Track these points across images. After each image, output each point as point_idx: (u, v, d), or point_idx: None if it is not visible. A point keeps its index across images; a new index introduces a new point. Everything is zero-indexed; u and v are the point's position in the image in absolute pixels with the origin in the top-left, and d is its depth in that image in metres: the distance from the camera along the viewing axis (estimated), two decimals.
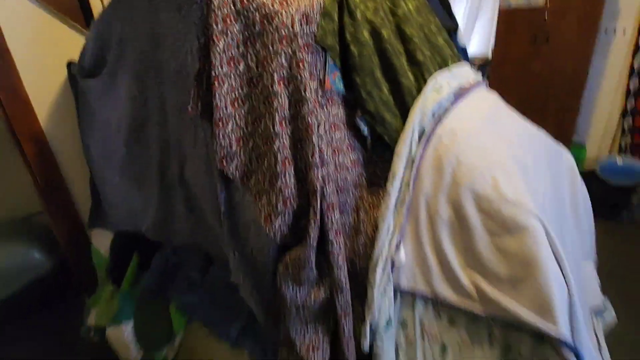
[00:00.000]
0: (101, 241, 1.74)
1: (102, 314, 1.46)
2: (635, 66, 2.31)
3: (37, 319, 1.87)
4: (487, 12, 2.80)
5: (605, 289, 1.69)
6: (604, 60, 2.43)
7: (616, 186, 2.28)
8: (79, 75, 1.45)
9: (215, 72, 0.92)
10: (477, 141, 1.07)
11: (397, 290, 1.10)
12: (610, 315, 1.59)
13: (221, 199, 1.05)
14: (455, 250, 1.03)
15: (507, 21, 2.34)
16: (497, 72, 2.48)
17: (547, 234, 0.93)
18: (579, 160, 2.68)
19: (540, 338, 0.88)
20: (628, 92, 2.38)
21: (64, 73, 1.52)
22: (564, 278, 0.93)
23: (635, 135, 2.44)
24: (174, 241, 1.44)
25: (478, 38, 3.01)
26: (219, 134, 0.95)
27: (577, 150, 2.69)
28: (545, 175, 1.28)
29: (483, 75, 2.85)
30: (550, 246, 0.93)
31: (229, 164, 0.98)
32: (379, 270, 1.08)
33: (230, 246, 1.11)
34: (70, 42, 1.53)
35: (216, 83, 0.92)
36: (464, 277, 1.01)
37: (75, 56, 1.50)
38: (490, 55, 2.62)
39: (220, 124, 0.94)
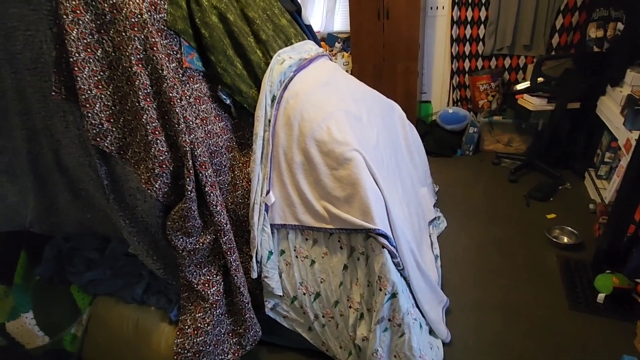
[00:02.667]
0: None
1: None
2: (454, 35, 2.95)
3: None
4: None
5: (443, 205, 2.26)
6: (433, 31, 3.04)
7: (450, 130, 2.94)
8: None
9: (73, 58, 1.02)
10: (315, 99, 1.38)
11: (273, 227, 1.39)
12: (444, 223, 2.15)
13: (102, 173, 1.17)
14: (309, 187, 1.35)
15: (357, 1, 2.74)
16: (356, 43, 2.90)
17: (366, 162, 1.29)
18: (428, 114, 3.32)
19: (368, 234, 1.24)
20: (452, 56, 3.04)
21: None
22: (381, 192, 1.31)
23: (461, 90, 3.14)
24: (65, 229, 1.48)
25: (340, 16, 3.41)
26: (87, 114, 1.07)
27: (425, 106, 3.32)
28: (378, 122, 1.67)
29: (347, 47, 3.26)
30: (369, 170, 1.30)
31: (103, 140, 1.10)
32: (255, 214, 1.34)
33: (120, 216, 1.24)
34: None
35: (76, 68, 1.03)
36: (318, 205, 1.33)
37: None
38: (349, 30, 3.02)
39: (87, 104, 1.06)
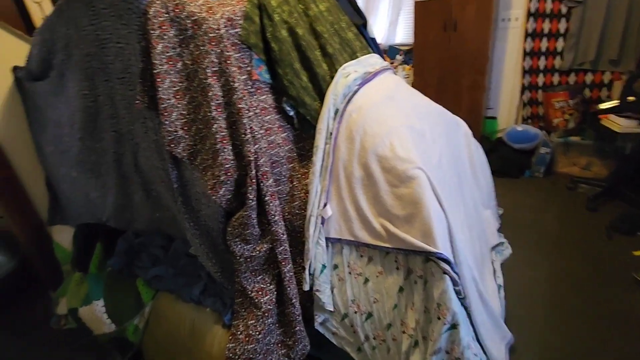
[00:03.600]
0: (62, 236, 1.85)
1: (73, 298, 1.59)
2: (527, 48, 2.75)
3: (2, 318, 1.93)
4: (407, 5, 3.14)
5: (508, 231, 2.09)
6: (504, 44, 2.86)
7: (518, 149, 2.72)
8: (25, 79, 1.55)
9: (156, 70, 1.10)
10: (378, 114, 1.35)
11: (328, 241, 1.37)
12: (508, 250, 1.98)
13: (173, 177, 1.24)
14: (367, 203, 1.31)
15: (423, 13, 2.68)
16: (419, 56, 2.82)
17: (430, 181, 1.23)
18: (493, 131, 3.13)
19: (428, 257, 1.18)
20: (524, 70, 2.83)
21: (9, 77, 1.60)
22: (444, 214, 1.23)
23: (533, 107, 2.91)
24: (136, 226, 1.60)
25: (402, 28, 3.35)
26: (165, 122, 1.14)
27: (490, 122, 3.13)
28: (442, 139, 1.59)
29: (410, 60, 3.20)
30: (433, 190, 1.23)
31: (177, 147, 1.17)
32: (311, 226, 1.33)
33: (185, 218, 1.31)
34: (13, 48, 1.61)
35: (158, 79, 1.11)
36: (376, 222, 1.29)
37: (18, 62, 1.59)
38: (412, 42, 2.96)
39: (166, 113, 1.14)
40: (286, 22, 1.33)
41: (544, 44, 2.73)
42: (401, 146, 1.27)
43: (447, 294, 1.12)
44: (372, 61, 1.59)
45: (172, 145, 1.17)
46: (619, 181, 2.27)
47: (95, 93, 1.33)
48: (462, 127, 1.82)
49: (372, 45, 1.72)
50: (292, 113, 1.37)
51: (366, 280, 1.35)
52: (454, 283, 1.14)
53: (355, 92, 1.40)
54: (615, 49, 2.45)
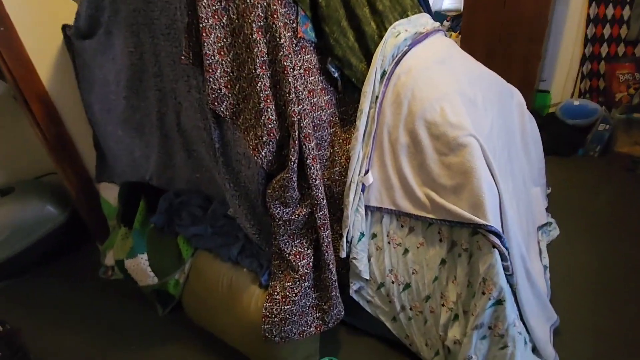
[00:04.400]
0: (109, 193, 1.93)
1: (119, 251, 1.68)
2: (591, 14, 2.47)
3: (55, 267, 2.09)
4: None
5: (556, 211, 1.97)
6: (566, 9, 2.58)
7: (572, 125, 2.51)
8: (74, 37, 1.57)
9: (202, 24, 1.07)
10: (429, 77, 1.26)
11: (368, 209, 1.34)
12: (556, 231, 1.87)
13: (215, 137, 1.23)
14: (412, 171, 1.26)
15: None
16: (468, 21, 2.61)
17: (482, 149, 1.15)
18: (544, 105, 2.90)
19: (475, 230, 1.12)
20: (586, 38, 2.56)
21: (60, 36, 1.64)
22: (496, 185, 1.16)
23: (592, 79, 2.65)
24: (176, 185, 1.64)
25: None
26: (209, 79, 1.12)
27: (542, 96, 2.89)
28: (493, 108, 1.48)
29: (457, 27, 2.99)
30: (485, 160, 1.15)
31: (220, 105, 1.16)
32: (351, 192, 1.30)
33: (225, 179, 1.31)
34: (63, 6, 1.63)
35: (204, 34, 1.08)
36: (420, 192, 1.24)
37: (68, 20, 1.61)
38: (462, 7, 2.74)
39: (210, 70, 1.11)
40: None
41: (610, 11, 2.44)
42: (453, 112, 1.19)
43: (494, 268, 1.07)
44: (423, 21, 1.47)
45: (215, 104, 1.15)
46: None
47: (140, 50, 1.32)
48: (515, 97, 1.69)
49: (423, 5, 1.59)
50: (336, 75, 1.31)
51: (406, 251, 1.31)
52: (503, 258, 1.09)
53: (405, 53, 1.31)
54: None
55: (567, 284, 1.56)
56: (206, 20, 1.08)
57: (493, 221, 1.09)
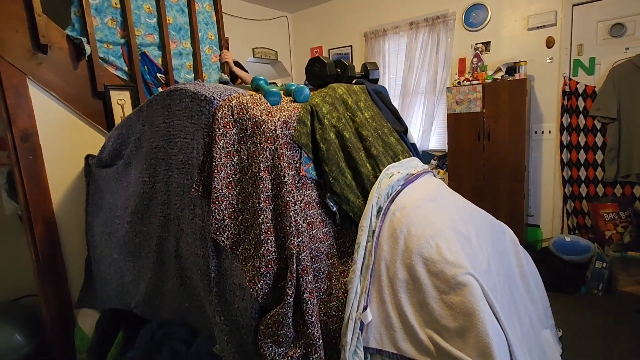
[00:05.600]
0: (86, 321, 1.80)
1: None
2: (564, 159, 2.77)
3: None
4: (440, 116, 3.38)
5: (576, 357, 1.80)
6: (539, 154, 2.91)
7: (569, 261, 2.51)
8: (95, 165, 1.72)
9: (215, 163, 1.19)
10: (423, 214, 1.33)
11: (367, 351, 1.23)
12: None
13: (212, 266, 1.22)
14: (412, 309, 1.20)
15: (456, 123, 2.85)
16: (453, 163, 2.91)
17: (483, 289, 1.13)
18: (536, 239, 2.97)
19: None
20: (564, 180, 2.80)
21: (81, 164, 1.79)
22: (502, 330, 1.10)
23: (578, 217, 2.78)
24: (162, 315, 1.54)
25: (436, 136, 3.55)
26: (215, 210, 1.18)
27: (533, 230, 2.99)
28: (488, 244, 1.51)
29: (443, 165, 3.29)
30: (486, 299, 1.12)
31: (222, 235, 1.19)
32: (349, 331, 1.22)
33: (216, 311, 1.24)
34: (90, 140, 1.83)
35: (216, 171, 1.19)
36: (422, 334, 1.16)
37: (91, 151, 1.79)
38: (446, 149, 3.08)
39: (217, 202, 1.18)
40: (334, 126, 1.44)
41: (582, 156, 2.74)
42: (449, 249, 1.21)
43: None
44: (414, 164, 1.64)
45: (217, 233, 1.18)
46: None
47: (154, 180, 1.43)
48: (507, 233, 1.73)
49: (413, 150, 1.79)
50: (335, 209, 1.38)
51: None
52: None
53: (399, 192, 1.41)
54: None
55: None
56: (219, 159, 1.20)
57: None
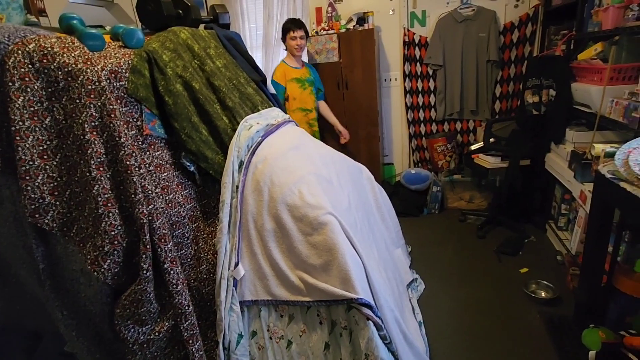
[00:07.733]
0: None
1: None
2: (408, 103, 3.19)
3: None
4: None
5: (418, 266, 2.20)
6: (389, 100, 3.27)
7: (415, 190, 3.01)
8: None
9: (15, 127, 0.92)
10: (285, 163, 1.34)
11: (243, 304, 1.23)
12: (422, 285, 2.07)
13: (38, 255, 1.00)
14: (282, 255, 1.24)
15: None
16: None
17: (341, 225, 1.23)
18: (391, 175, 3.41)
19: (350, 305, 1.13)
20: (408, 121, 3.25)
21: None
22: (359, 257, 1.23)
23: (420, 152, 3.31)
24: None
25: None
26: (27, 187, 0.94)
27: (388, 168, 3.43)
28: (348, 184, 1.64)
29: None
30: (345, 234, 1.22)
31: (43, 217, 0.96)
32: (222, 290, 1.19)
33: (56, 306, 1.05)
34: None
35: (18, 137, 0.92)
36: (293, 276, 1.21)
37: None
38: None
39: (27, 177, 0.93)
40: (180, 76, 1.27)
41: (420, 100, 3.18)
42: (310, 193, 1.26)
43: (373, 341, 1.08)
44: (274, 114, 1.61)
45: (37, 216, 0.95)
46: (496, 211, 2.63)
47: None
48: (364, 172, 1.92)
49: (273, 100, 1.76)
50: (192, 168, 1.27)
51: (289, 343, 1.23)
52: (378, 328, 1.11)
53: (259, 143, 1.38)
54: (473, 102, 2.99)
55: (441, 335, 1.68)
56: (21, 123, 0.93)
57: (362, 293, 1.12)
